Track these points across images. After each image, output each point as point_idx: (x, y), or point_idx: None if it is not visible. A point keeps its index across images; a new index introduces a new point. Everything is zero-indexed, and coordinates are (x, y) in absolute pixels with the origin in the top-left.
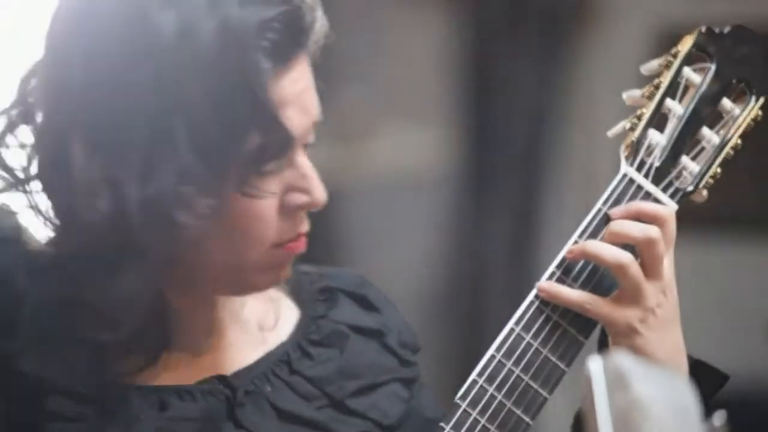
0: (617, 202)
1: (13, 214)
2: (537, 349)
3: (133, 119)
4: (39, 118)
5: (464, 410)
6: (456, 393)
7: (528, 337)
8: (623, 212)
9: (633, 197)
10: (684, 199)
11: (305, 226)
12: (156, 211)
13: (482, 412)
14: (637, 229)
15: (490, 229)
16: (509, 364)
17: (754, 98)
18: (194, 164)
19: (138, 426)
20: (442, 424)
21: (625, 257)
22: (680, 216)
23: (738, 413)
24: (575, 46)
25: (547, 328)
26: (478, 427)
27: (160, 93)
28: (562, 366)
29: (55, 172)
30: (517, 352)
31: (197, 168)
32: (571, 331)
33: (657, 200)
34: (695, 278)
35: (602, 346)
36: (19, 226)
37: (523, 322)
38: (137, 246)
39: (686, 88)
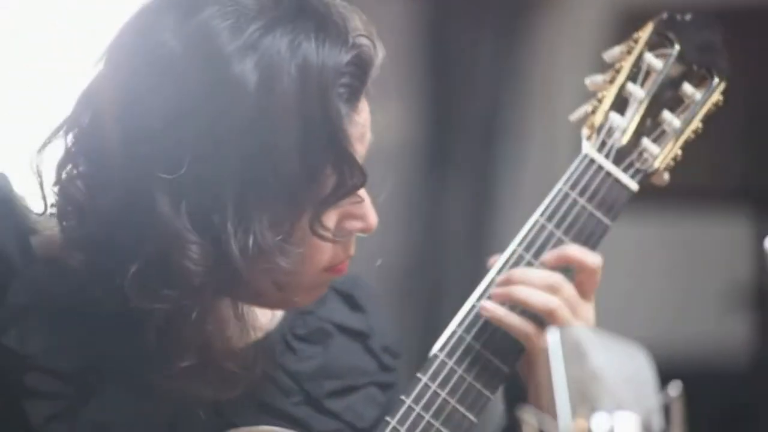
0: (578, 181)
1: (8, 184)
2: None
3: (221, 169)
4: (102, 151)
5: (425, 384)
6: (415, 365)
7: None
8: (555, 257)
9: (594, 177)
10: (645, 180)
11: (353, 250)
12: (257, 257)
13: (442, 385)
14: (539, 301)
15: (449, 205)
16: (451, 364)
17: (715, 83)
18: (284, 210)
19: (118, 406)
20: (402, 396)
21: (553, 303)
22: (640, 190)
23: (693, 383)
24: (536, 27)
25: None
26: (438, 400)
27: (245, 141)
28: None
29: (133, 214)
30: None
31: (286, 213)
32: (496, 362)
33: (618, 180)
34: (654, 251)
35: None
36: (14, 198)
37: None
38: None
39: (648, 73)
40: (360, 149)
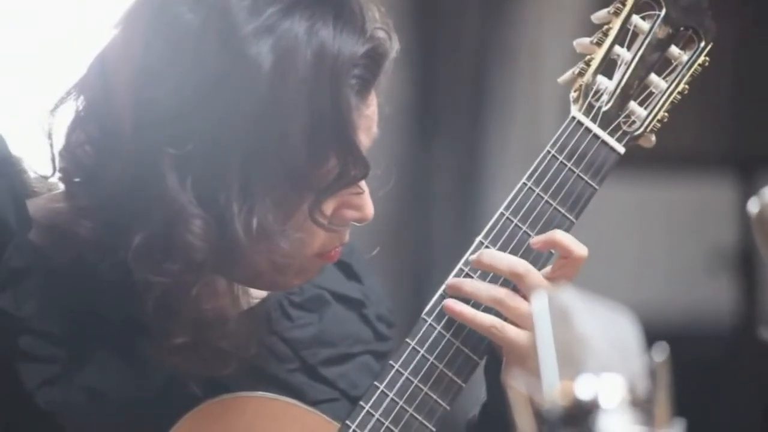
0: (566, 145)
1: (5, 145)
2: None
3: (229, 149)
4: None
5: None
6: (404, 330)
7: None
8: (543, 241)
9: (581, 140)
10: (631, 143)
11: (346, 238)
12: (258, 238)
13: (429, 350)
14: (504, 264)
15: (436, 169)
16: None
17: (701, 44)
18: (287, 193)
19: (112, 373)
20: (391, 361)
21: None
22: (625, 156)
23: (678, 346)
24: None
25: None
26: (427, 366)
27: (255, 123)
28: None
29: (140, 185)
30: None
31: (289, 197)
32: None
33: (605, 143)
34: (639, 214)
35: (491, 367)
36: (11, 159)
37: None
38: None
39: (635, 35)
40: (365, 141)
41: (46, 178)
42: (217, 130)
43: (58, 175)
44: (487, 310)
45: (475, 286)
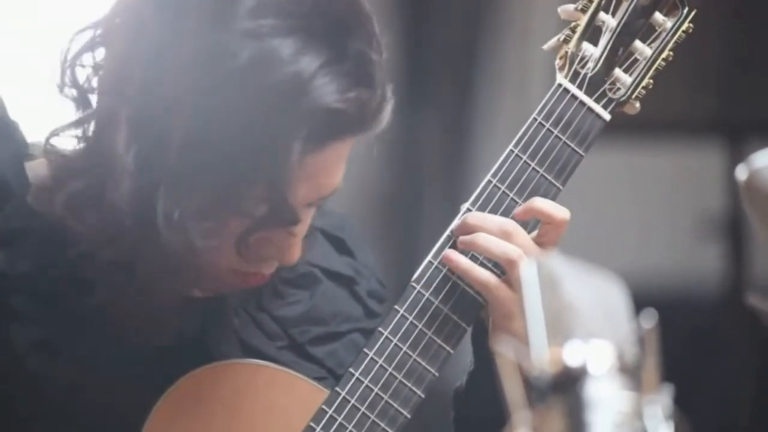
0: (552, 112)
1: (4, 108)
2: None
3: (174, 126)
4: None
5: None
6: (393, 298)
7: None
8: (523, 211)
9: (567, 107)
10: (616, 110)
11: (268, 272)
12: (176, 229)
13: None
14: (497, 248)
15: (425, 136)
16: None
17: (684, 11)
18: (214, 202)
19: (101, 339)
20: (380, 328)
21: (513, 253)
22: (613, 122)
23: (667, 312)
24: None
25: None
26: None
27: (205, 108)
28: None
29: (98, 133)
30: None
31: (216, 207)
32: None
33: (591, 110)
34: (627, 181)
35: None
36: (9, 122)
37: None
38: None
39: (619, 2)
40: (304, 191)
41: (41, 144)
42: (172, 106)
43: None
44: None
45: (489, 240)
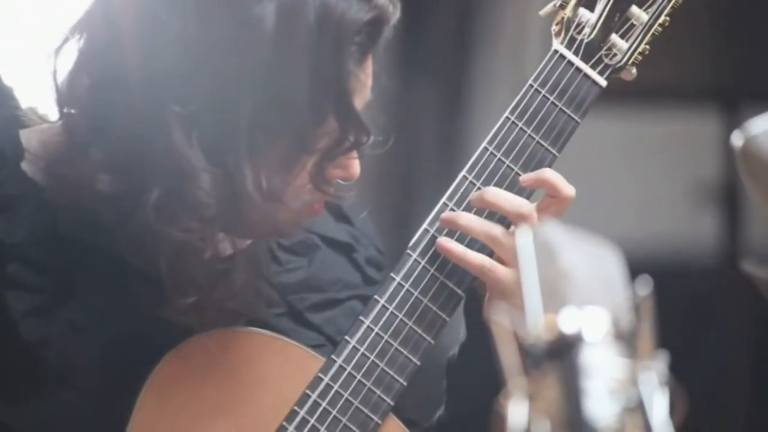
0: (548, 78)
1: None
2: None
3: (234, 109)
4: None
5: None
6: (389, 267)
7: (423, 262)
8: (533, 179)
9: (563, 73)
10: (613, 75)
11: (331, 191)
12: (269, 197)
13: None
14: (509, 204)
15: (421, 104)
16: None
17: None
18: (292, 153)
19: (95, 310)
20: (376, 296)
21: (496, 232)
22: (609, 89)
23: (662, 279)
24: None
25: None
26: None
27: (259, 83)
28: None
29: (149, 138)
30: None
31: (294, 157)
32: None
33: (587, 76)
34: (623, 148)
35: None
36: (2, 89)
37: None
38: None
39: None
40: (359, 103)
41: (35, 110)
42: (222, 91)
43: (60, 118)
44: (480, 249)
45: (470, 220)
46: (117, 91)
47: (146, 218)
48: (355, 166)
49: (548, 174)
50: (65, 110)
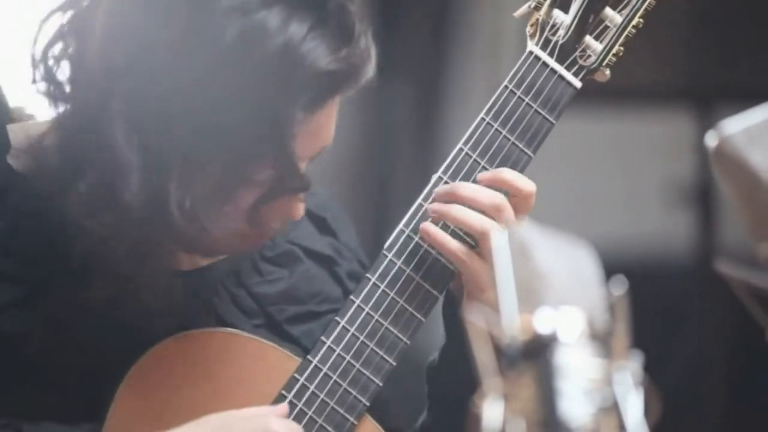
0: (523, 79)
1: None
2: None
3: (176, 116)
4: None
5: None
6: (365, 264)
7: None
8: (489, 179)
9: (538, 75)
10: (587, 77)
11: (277, 227)
12: (189, 216)
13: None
14: (486, 198)
15: (396, 105)
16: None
17: None
18: (223, 181)
19: (75, 305)
20: (351, 297)
21: (487, 225)
22: (583, 90)
23: (637, 279)
24: None
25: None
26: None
27: (200, 95)
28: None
29: (94, 128)
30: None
31: (225, 185)
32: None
33: (562, 77)
34: (597, 149)
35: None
36: None
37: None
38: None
39: None
40: (307, 144)
41: (23, 109)
42: (168, 93)
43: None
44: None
45: (474, 188)
46: (78, 85)
47: (71, 207)
48: (298, 209)
49: (504, 173)
50: (39, 84)
